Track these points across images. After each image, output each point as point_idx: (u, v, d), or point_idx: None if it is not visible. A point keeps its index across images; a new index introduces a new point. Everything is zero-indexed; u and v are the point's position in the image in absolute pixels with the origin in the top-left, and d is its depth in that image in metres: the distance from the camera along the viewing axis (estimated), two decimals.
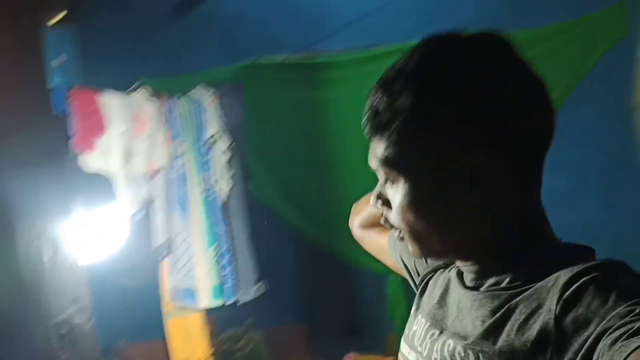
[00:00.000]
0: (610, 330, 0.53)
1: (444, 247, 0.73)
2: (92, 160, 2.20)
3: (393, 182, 0.72)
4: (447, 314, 0.77)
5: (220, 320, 4.72)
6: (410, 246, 0.75)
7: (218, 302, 2.45)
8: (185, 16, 3.75)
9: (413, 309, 0.87)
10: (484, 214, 0.69)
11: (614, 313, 0.55)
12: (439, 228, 0.71)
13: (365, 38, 3.40)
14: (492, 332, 0.65)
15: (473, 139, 0.66)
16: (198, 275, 2.42)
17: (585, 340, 0.55)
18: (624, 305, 0.55)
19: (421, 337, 0.78)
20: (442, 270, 0.84)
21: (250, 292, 2.49)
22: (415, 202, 0.70)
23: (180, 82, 2.77)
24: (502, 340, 0.64)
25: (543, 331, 0.60)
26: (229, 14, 3.56)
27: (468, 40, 0.70)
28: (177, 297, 2.48)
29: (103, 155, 2.20)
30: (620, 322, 0.53)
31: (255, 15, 3.48)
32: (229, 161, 2.47)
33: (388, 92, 0.68)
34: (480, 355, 0.65)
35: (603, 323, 0.55)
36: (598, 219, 3.93)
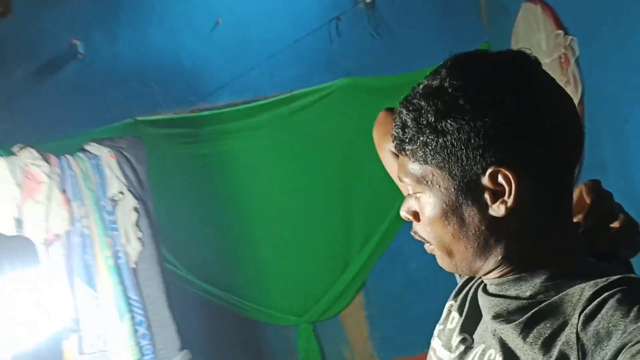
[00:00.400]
0: (630, 344, 0.54)
1: (473, 265, 0.73)
2: None
3: (419, 195, 0.73)
4: (472, 321, 0.78)
5: None
6: (439, 260, 0.76)
7: None
8: (53, 79, 3.50)
9: (450, 302, 0.87)
10: (512, 232, 0.69)
11: (635, 326, 0.55)
12: (469, 246, 0.71)
13: (249, 92, 3.43)
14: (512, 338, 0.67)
15: (498, 155, 0.66)
16: (112, 352, 2.14)
17: (606, 353, 0.56)
18: None
19: (454, 339, 0.79)
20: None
21: None
22: (440, 216, 0.71)
23: (67, 143, 2.55)
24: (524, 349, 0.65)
25: (565, 345, 0.60)
26: (103, 74, 3.39)
27: (494, 56, 0.71)
28: None
29: None
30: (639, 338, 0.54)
31: (133, 76, 3.36)
32: (137, 223, 2.27)
33: (414, 108, 0.69)
34: None
35: (624, 336, 0.55)
36: None
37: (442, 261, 0.76)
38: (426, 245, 0.77)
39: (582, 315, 0.60)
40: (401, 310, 3.49)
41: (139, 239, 2.25)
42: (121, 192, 2.22)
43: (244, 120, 3.41)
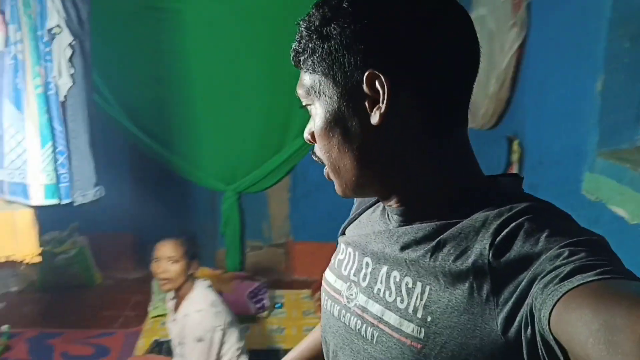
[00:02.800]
0: (542, 275, 0.55)
1: (359, 181, 0.72)
2: None
3: (310, 108, 0.74)
4: (368, 240, 0.79)
5: (44, 221, 4.55)
6: (336, 186, 0.76)
7: (52, 201, 2.37)
8: None
9: (339, 238, 0.90)
10: (393, 146, 0.69)
11: (544, 257, 0.56)
12: (352, 159, 0.70)
13: None
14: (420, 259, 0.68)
15: (378, 61, 0.65)
16: (31, 172, 2.32)
17: (519, 283, 0.57)
18: (554, 248, 0.56)
19: (354, 267, 0.79)
20: (370, 209, 0.86)
21: (87, 194, 2.44)
22: (325, 127, 0.70)
23: None
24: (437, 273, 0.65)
25: (477, 272, 0.61)
26: None
27: None
28: (6, 191, 2.36)
29: None
30: (551, 267, 0.54)
31: None
32: (70, 59, 2.35)
33: (307, 17, 0.70)
34: (427, 287, 0.65)
35: (535, 267, 0.56)
36: None
37: (336, 185, 0.75)
38: (325, 170, 0.76)
39: (492, 247, 0.61)
40: (321, 200, 3.67)
41: (71, 75, 2.34)
42: (59, 26, 2.27)
43: None
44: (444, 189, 0.71)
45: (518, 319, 0.56)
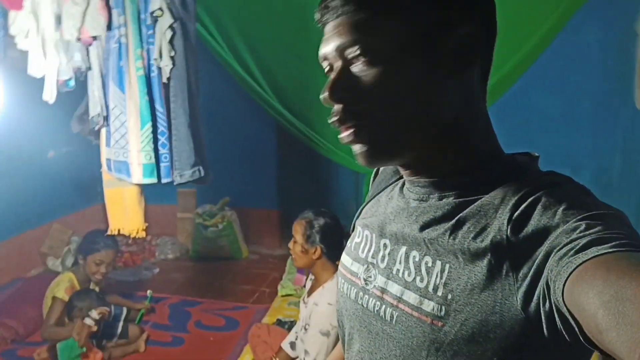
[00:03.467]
0: (558, 248, 0.55)
1: (395, 145, 0.70)
2: (22, 19, 2.15)
3: (362, 63, 0.68)
4: (386, 221, 0.78)
5: (199, 194, 4.91)
6: (359, 147, 0.71)
7: (150, 180, 2.46)
8: None
9: (356, 223, 0.90)
10: (456, 112, 0.69)
11: (561, 230, 0.56)
12: (400, 117, 0.68)
13: None
14: (440, 238, 0.68)
15: (472, 21, 0.67)
16: (132, 151, 2.42)
17: (537, 257, 0.57)
18: (571, 221, 0.57)
19: (372, 249, 0.79)
20: (389, 188, 0.86)
21: (185, 175, 2.48)
22: (381, 77, 0.67)
23: None
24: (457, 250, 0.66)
25: (496, 248, 0.61)
26: None
27: None
28: (112, 168, 2.51)
29: (33, 14, 2.15)
30: (567, 240, 0.55)
31: None
32: (171, 41, 2.38)
33: None
34: (447, 266, 0.66)
35: (551, 240, 0.57)
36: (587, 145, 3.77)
37: (362, 149, 0.71)
38: (347, 133, 0.72)
39: (510, 222, 0.61)
40: None
41: (172, 57, 2.38)
42: (160, 9, 2.30)
43: None
44: (464, 160, 0.71)
45: (537, 293, 0.57)
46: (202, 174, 2.52)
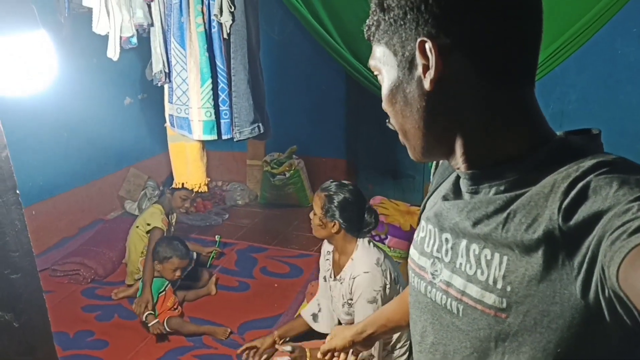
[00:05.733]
0: (610, 231, 0.54)
1: (425, 145, 0.75)
2: None
3: (379, 77, 0.77)
4: (444, 215, 0.80)
5: (269, 142, 4.96)
6: (408, 148, 0.79)
7: (210, 137, 2.49)
8: None
9: (420, 217, 0.93)
10: (451, 108, 0.71)
11: (613, 213, 0.55)
12: (415, 124, 0.73)
13: None
14: (493, 232, 0.69)
15: (431, 29, 0.67)
16: (192, 108, 2.45)
17: (590, 243, 0.57)
18: (623, 203, 0.55)
19: (436, 244, 0.81)
20: (447, 180, 0.87)
21: (244, 132, 2.49)
22: (389, 95, 0.75)
23: None
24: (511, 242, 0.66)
25: (549, 238, 0.61)
26: None
27: None
28: (174, 124, 2.56)
29: None
30: (620, 223, 0.54)
31: None
32: None
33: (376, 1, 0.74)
34: (505, 258, 0.67)
35: (603, 224, 0.56)
36: None
37: (408, 149, 0.79)
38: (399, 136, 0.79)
39: (561, 210, 0.61)
40: None
41: (231, 12, 2.34)
42: None
43: None
44: (509, 148, 0.70)
45: (594, 279, 0.56)
46: (262, 130, 2.52)
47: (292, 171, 4.69)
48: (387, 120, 0.80)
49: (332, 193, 2.28)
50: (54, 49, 1.55)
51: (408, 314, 1.03)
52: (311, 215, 2.36)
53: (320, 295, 2.57)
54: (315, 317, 2.56)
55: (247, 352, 2.55)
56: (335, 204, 2.24)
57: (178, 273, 3.16)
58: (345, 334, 1.33)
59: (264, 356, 2.52)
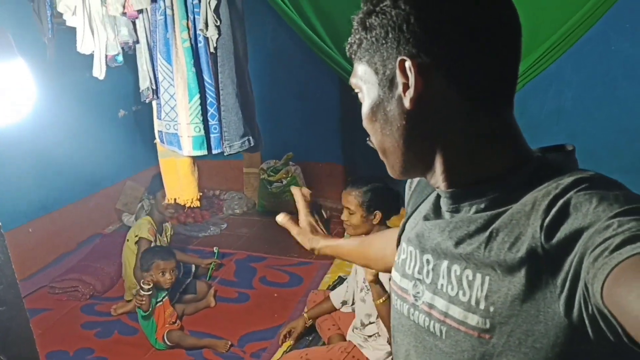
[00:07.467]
0: (592, 248, 0.54)
1: (404, 163, 0.75)
2: None
3: (360, 95, 0.78)
4: (425, 235, 0.80)
5: (264, 150, 4.94)
6: (386, 165, 0.79)
7: (200, 152, 2.47)
8: None
9: (400, 238, 0.92)
10: (430, 128, 0.71)
11: (593, 230, 0.56)
12: (394, 142, 0.74)
13: None
14: (474, 252, 0.69)
15: (412, 48, 0.67)
16: (181, 124, 2.43)
17: (572, 261, 0.57)
18: (603, 219, 0.56)
19: (417, 265, 0.81)
20: (426, 200, 0.87)
21: (234, 145, 2.47)
22: (369, 112, 0.75)
23: None
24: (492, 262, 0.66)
25: (532, 257, 0.61)
26: None
27: None
28: (164, 140, 2.54)
29: None
30: (601, 239, 0.54)
31: None
32: (216, 9, 2.31)
33: (356, 16, 0.74)
34: (487, 278, 0.67)
35: (585, 241, 0.56)
36: None
37: (387, 166, 0.79)
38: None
39: (543, 229, 0.61)
40: None
41: (217, 26, 2.32)
42: None
43: None
44: (490, 168, 0.70)
45: (577, 297, 0.56)
46: (252, 143, 2.50)
47: (289, 178, 4.67)
48: (367, 139, 0.80)
49: (366, 188, 2.34)
50: (33, 76, 1.54)
51: (361, 257, 1.16)
52: (344, 217, 2.41)
53: (350, 279, 2.77)
54: (344, 303, 2.76)
55: (285, 335, 2.90)
56: (374, 195, 2.32)
57: (168, 276, 3.11)
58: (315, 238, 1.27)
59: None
